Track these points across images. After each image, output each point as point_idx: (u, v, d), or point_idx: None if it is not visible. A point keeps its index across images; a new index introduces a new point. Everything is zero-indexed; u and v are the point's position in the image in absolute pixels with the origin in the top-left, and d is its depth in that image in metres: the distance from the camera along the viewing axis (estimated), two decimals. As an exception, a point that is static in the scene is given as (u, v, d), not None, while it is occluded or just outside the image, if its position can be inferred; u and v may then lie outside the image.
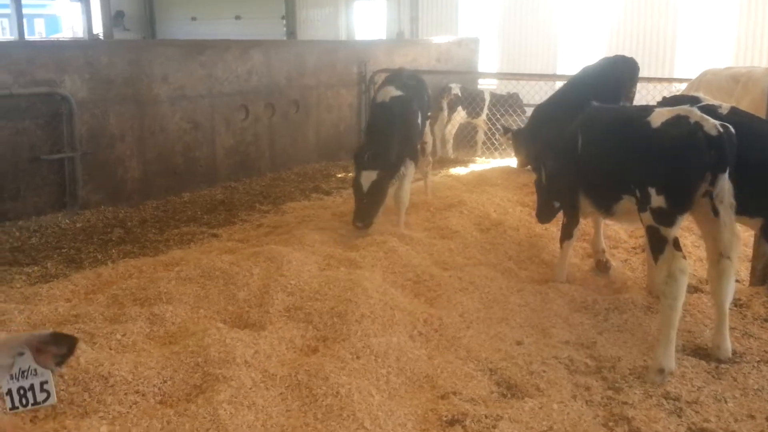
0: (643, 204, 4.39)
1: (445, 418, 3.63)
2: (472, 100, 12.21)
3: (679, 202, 4.27)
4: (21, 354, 2.34)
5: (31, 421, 3.42)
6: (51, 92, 7.20)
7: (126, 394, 3.61)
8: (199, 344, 4.02)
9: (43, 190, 7.36)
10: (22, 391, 2.53)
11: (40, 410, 3.46)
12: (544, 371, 4.22)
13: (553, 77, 10.63)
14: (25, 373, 2.49)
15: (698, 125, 4.21)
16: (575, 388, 4.09)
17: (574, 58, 8.88)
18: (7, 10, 21.95)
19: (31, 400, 2.56)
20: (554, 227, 6.79)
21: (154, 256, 6.06)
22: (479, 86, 13.58)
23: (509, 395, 4.00)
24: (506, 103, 12.22)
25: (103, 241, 6.77)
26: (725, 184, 4.16)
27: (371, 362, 4.07)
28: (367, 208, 6.42)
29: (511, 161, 10.75)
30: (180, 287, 4.90)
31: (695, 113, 4.28)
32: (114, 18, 22.30)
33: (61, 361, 2.38)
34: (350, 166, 10.62)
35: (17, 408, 2.55)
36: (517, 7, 16.10)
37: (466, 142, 13.05)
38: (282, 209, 7.91)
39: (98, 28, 21.64)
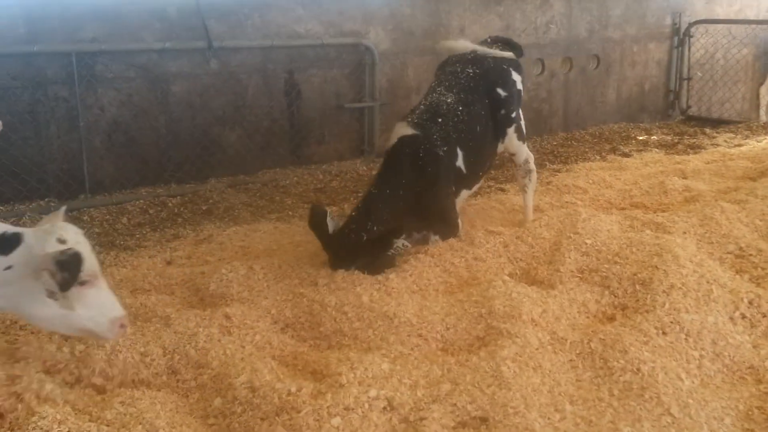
0: None
1: (778, 421, 2.92)
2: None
3: None
4: None
5: (317, 347, 3.49)
6: (357, 43, 7.46)
7: (409, 335, 3.51)
8: (484, 295, 3.78)
9: (344, 136, 7.72)
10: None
11: (323, 340, 3.52)
12: None
13: None
14: None
15: None
16: None
17: None
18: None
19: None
20: None
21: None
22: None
23: None
24: None
25: (395, 188, 6.90)
26: None
27: (680, 341, 3.45)
28: None
29: None
30: (471, 236, 4.70)
31: None
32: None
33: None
34: (653, 128, 9.68)
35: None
36: None
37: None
38: (574, 168, 7.34)
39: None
